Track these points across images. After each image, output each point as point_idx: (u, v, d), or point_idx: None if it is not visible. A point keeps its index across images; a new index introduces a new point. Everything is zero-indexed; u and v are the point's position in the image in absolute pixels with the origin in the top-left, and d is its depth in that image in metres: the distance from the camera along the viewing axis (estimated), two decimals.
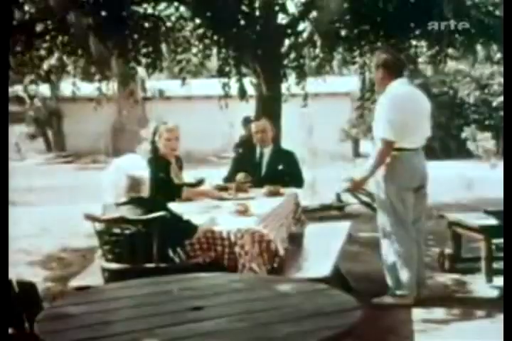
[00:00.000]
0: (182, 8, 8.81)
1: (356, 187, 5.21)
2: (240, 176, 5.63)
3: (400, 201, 4.80)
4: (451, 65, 16.09)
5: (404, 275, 4.80)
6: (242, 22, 8.31)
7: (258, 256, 4.12)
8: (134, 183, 3.78)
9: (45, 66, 8.76)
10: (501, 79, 16.84)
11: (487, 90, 20.13)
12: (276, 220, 4.75)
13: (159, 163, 5.14)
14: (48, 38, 8.01)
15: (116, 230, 3.81)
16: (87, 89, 10.35)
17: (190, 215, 4.21)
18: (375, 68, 5.00)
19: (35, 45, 8.10)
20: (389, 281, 4.90)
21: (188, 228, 3.99)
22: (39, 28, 7.67)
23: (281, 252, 4.28)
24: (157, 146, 5.27)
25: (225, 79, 9.01)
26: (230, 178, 5.85)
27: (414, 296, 4.83)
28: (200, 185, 5.51)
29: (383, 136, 4.71)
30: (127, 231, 3.77)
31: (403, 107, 4.75)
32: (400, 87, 4.83)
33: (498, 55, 8.92)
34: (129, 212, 3.77)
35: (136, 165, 3.88)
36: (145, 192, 3.85)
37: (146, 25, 8.34)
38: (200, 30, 8.87)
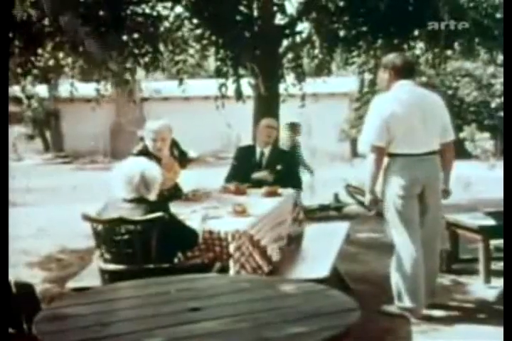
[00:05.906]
0: (180, 9, 8.80)
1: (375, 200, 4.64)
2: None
3: (402, 208, 4.48)
4: (451, 63, 15.98)
5: (412, 287, 4.50)
6: (240, 22, 8.30)
7: (252, 259, 4.13)
8: (146, 182, 3.80)
9: (43, 66, 8.74)
10: (501, 80, 16.81)
11: (486, 90, 20.10)
12: (272, 222, 4.74)
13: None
14: (46, 37, 7.97)
15: (115, 231, 3.81)
16: (85, 89, 10.33)
17: (188, 215, 4.23)
18: (381, 68, 4.67)
19: (33, 46, 8.07)
20: (395, 292, 4.58)
21: (190, 236, 3.96)
22: (37, 27, 7.63)
23: (274, 257, 4.29)
24: (146, 144, 5.14)
25: (223, 80, 9.00)
26: (230, 178, 5.86)
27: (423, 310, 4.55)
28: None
29: (372, 142, 4.45)
30: (125, 232, 3.77)
31: (395, 111, 4.43)
32: (397, 90, 4.53)
33: (500, 57, 8.87)
34: (131, 211, 3.77)
35: (151, 166, 3.91)
36: (154, 193, 3.86)
37: (145, 25, 8.30)
38: (198, 31, 8.86)
